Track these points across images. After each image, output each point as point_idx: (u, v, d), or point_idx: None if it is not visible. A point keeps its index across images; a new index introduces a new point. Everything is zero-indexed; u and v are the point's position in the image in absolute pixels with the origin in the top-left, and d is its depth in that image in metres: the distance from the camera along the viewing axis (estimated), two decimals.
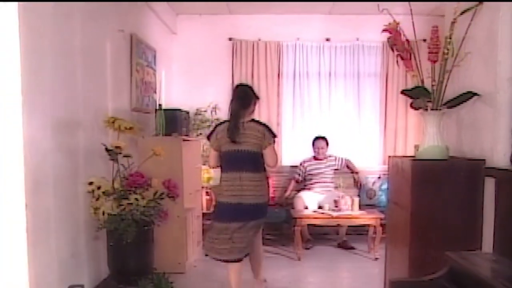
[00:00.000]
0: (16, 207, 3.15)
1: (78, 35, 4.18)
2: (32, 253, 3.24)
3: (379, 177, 7.23)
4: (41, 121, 3.49)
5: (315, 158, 7.15)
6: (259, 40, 7.66)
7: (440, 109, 3.44)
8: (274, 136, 4.64)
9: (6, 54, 3.09)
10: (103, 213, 4.06)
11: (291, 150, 7.75)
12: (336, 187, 6.99)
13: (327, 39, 7.70)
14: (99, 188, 4.09)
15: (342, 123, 7.80)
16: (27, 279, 3.18)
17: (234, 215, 4.50)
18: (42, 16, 3.52)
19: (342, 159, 7.23)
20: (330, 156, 7.17)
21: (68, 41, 4.02)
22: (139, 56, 5.84)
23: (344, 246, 6.84)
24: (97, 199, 4.08)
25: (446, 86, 3.43)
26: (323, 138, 7.15)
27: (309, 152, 7.26)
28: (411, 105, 3.68)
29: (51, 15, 3.66)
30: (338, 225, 6.74)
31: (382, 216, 6.04)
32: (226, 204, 4.55)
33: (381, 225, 5.96)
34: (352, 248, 6.77)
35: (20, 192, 3.17)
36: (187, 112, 6.33)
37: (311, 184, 7.04)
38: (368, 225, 6.49)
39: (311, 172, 7.08)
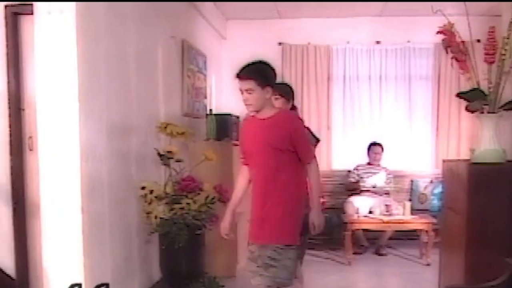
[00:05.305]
0: (73, 211, 3.24)
1: (132, 41, 4.27)
2: (87, 256, 3.32)
3: (431, 181, 7.06)
4: (96, 126, 3.58)
5: (369, 163, 7.05)
6: (309, 44, 7.63)
7: (497, 112, 3.34)
8: None
9: (64, 61, 3.19)
10: (155, 217, 4.13)
11: (342, 155, 7.65)
12: (387, 192, 6.87)
13: (378, 42, 7.59)
14: (151, 192, 4.16)
15: (393, 126, 7.66)
16: (83, 282, 3.26)
17: None
18: (97, 23, 3.61)
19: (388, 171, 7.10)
20: (384, 168, 7.04)
21: (122, 47, 4.11)
22: (190, 62, 5.91)
23: (377, 252, 6.69)
24: (150, 203, 4.15)
25: (503, 88, 3.33)
26: (379, 144, 7.04)
27: (360, 157, 7.16)
28: (466, 108, 3.58)
29: (106, 23, 3.75)
30: (383, 231, 6.62)
31: (434, 221, 5.92)
32: None
33: (434, 230, 5.86)
34: (384, 255, 6.62)
35: (76, 196, 3.26)
36: (238, 117, 6.36)
37: (363, 189, 6.93)
38: (420, 230, 6.37)
39: (363, 177, 6.97)
